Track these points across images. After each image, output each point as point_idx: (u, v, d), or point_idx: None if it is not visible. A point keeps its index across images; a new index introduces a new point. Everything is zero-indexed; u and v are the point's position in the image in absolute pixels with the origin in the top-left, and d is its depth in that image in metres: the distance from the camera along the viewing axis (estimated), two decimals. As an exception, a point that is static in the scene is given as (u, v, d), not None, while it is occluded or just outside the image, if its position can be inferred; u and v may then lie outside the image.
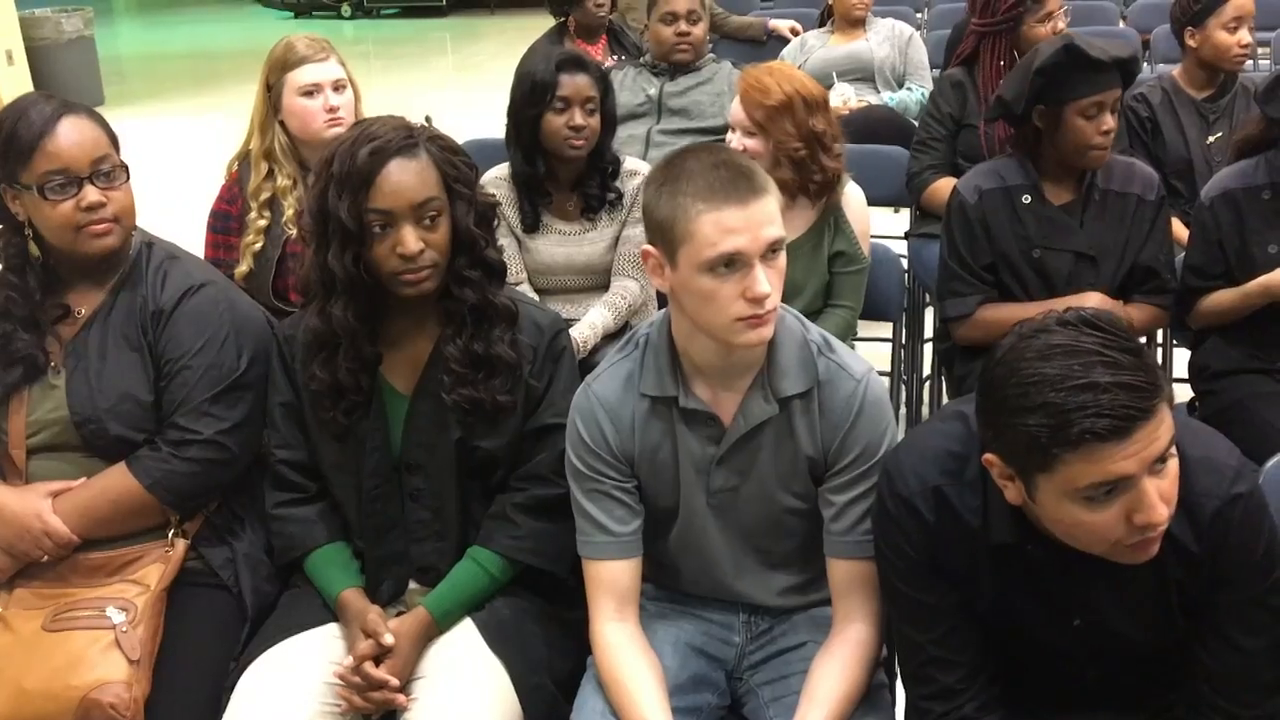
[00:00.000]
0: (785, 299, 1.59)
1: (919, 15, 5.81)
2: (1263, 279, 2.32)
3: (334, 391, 1.77)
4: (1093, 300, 2.41)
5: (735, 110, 2.45)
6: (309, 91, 2.50)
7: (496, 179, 2.71)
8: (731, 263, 1.48)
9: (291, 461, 1.86)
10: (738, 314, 1.50)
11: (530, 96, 2.59)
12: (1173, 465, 1.30)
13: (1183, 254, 2.60)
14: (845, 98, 4.00)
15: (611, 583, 1.67)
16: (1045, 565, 1.43)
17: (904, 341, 3.21)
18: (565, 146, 2.58)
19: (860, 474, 1.61)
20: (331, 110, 2.50)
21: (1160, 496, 1.28)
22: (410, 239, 1.68)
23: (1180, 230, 2.85)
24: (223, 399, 1.84)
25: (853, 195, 2.56)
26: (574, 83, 2.58)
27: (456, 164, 1.75)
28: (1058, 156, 2.41)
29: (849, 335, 2.54)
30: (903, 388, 3.35)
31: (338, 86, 2.52)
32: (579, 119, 2.56)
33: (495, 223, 1.82)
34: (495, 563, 1.78)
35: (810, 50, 4.26)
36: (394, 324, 1.79)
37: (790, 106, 2.40)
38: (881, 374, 3.06)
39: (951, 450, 1.47)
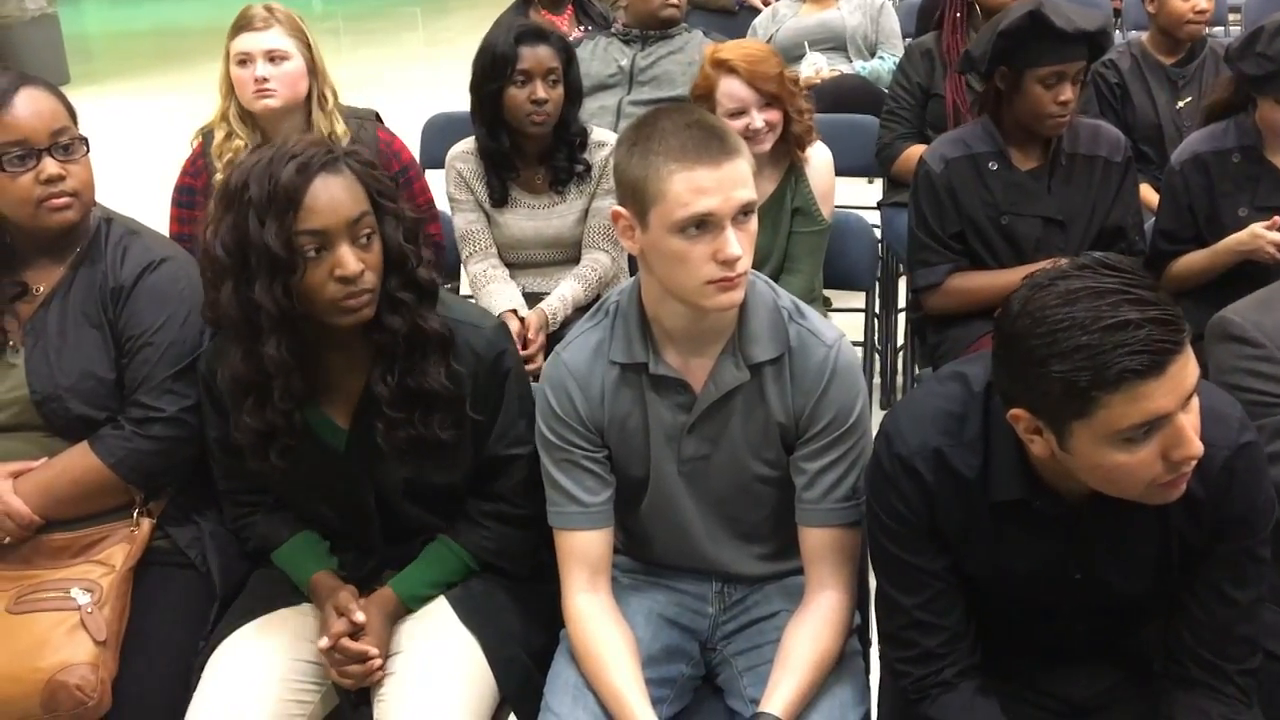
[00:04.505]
0: (753, 264, 1.58)
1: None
2: (1231, 239, 2.33)
3: (266, 437, 1.64)
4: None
5: (740, 90, 2.43)
6: (241, 60, 2.49)
7: (463, 153, 2.68)
8: (703, 224, 1.47)
9: (237, 489, 1.81)
10: (708, 276, 1.48)
11: (490, 70, 2.56)
12: (1195, 401, 1.28)
13: (1153, 219, 2.61)
14: (818, 67, 3.98)
15: (583, 553, 1.66)
16: (1050, 521, 1.43)
17: (878, 311, 3.21)
18: (528, 120, 2.56)
19: (832, 441, 1.61)
20: (259, 81, 2.47)
21: (1193, 427, 1.27)
22: (350, 259, 1.54)
23: (1150, 195, 2.85)
24: (185, 375, 1.81)
25: (815, 156, 2.56)
26: (534, 54, 2.55)
27: (379, 178, 1.63)
28: (1018, 120, 2.41)
29: (809, 302, 2.53)
30: (877, 358, 3.36)
31: (273, 58, 2.49)
32: (541, 91, 2.54)
33: (423, 237, 1.69)
34: (464, 554, 1.77)
35: (782, 20, 4.23)
36: (321, 359, 1.66)
37: (784, 73, 2.45)
38: (855, 344, 3.10)
39: (951, 411, 1.46)
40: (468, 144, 2.69)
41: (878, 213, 3.53)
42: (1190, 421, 1.27)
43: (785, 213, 2.52)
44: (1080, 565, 1.46)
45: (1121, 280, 1.24)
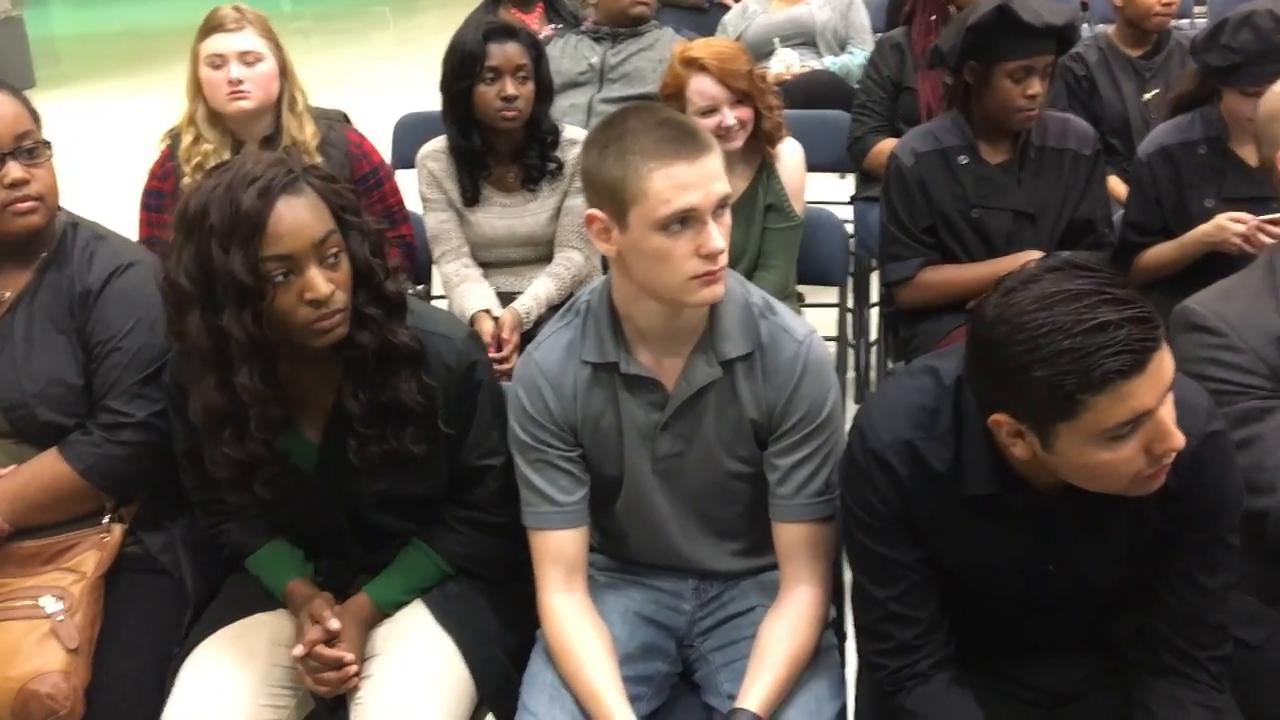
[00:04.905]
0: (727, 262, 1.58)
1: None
2: (1198, 230, 2.35)
3: (247, 468, 1.59)
4: (1032, 259, 2.41)
5: (711, 88, 2.43)
6: (215, 63, 2.47)
7: (434, 152, 2.67)
8: (685, 220, 1.47)
9: (209, 498, 1.78)
10: (692, 271, 1.49)
11: (460, 68, 2.56)
12: (1171, 393, 1.30)
13: (1121, 211, 2.63)
14: (789, 63, 3.99)
15: (558, 553, 1.66)
16: (1023, 514, 1.44)
17: (851, 306, 3.22)
18: (498, 117, 2.55)
19: (804, 436, 1.61)
20: (233, 83, 2.46)
21: (1171, 419, 1.29)
22: (320, 282, 1.51)
23: (1119, 187, 2.87)
24: (155, 380, 1.79)
25: (786, 152, 2.57)
26: (503, 52, 2.54)
27: (340, 192, 1.59)
28: (987, 114, 2.42)
29: (783, 299, 2.53)
30: (851, 352, 3.37)
31: (247, 59, 2.48)
32: (510, 89, 2.53)
33: (387, 248, 1.66)
34: (439, 559, 1.77)
35: (752, 16, 4.23)
36: (292, 377, 1.62)
37: (754, 71, 2.46)
38: (829, 339, 3.12)
39: (923, 404, 1.47)
40: (439, 143, 2.68)
41: (850, 208, 3.54)
42: (1170, 414, 1.28)
43: (758, 210, 2.52)
44: (1053, 557, 1.47)
45: (1094, 281, 1.25)
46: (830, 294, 3.10)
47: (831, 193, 3.56)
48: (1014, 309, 1.26)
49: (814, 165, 2.93)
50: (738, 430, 1.64)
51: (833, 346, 3.07)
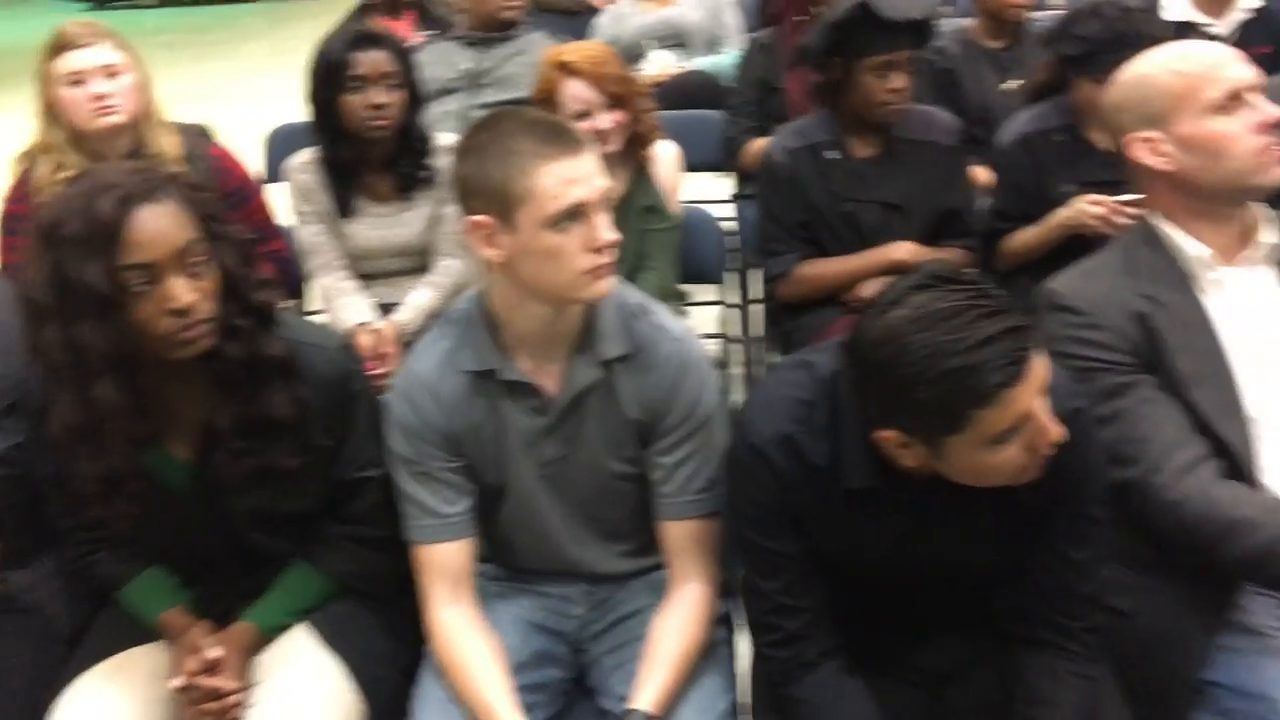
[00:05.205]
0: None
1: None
2: (1059, 214, 2.42)
3: (110, 484, 1.54)
4: (904, 249, 2.49)
5: (584, 92, 2.41)
6: (75, 80, 2.38)
7: (304, 164, 2.62)
8: (575, 215, 1.47)
9: (77, 527, 1.71)
10: (584, 266, 1.49)
11: (325, 78, 2.51)
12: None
13: (987, 199, 2.70)
14: (664, 65, 4.02)
15: (443, 566, 1.64)
16: (901, 504, 1.46)
17: (739, 302, 3.24)
18: (367, 126, 2.51)
19: (686, 434, 1.62)
20: (98, 98, 2.37)
21: (1049, 414, 1.33)
22: (182, 290, 1.47)
23: (984, 176, 2.95)
24: (14, 412, 1.72)
25: (661, 153, 2.58)
26: (369, 59, 2.50)
27: (206, 201, 1.55)
28: (853, 109, 2.47)
29: (666, 298, 2.55)
30: (738, 348, 3.40)
31: (110, 73, 2.39)
32: (378, 97, 2.49)
33: (257, 258, 1.64)
34: (322, 578, 1.73)
35: (624, 19, 4.24)
36: (158, 392, 1.56)
37: (626, 73, 2.46)
38: (714, 336, 3.14)
39: (800, 398, 1.49)
40: (308, 154, 2.62)
41: (728, 206, 3.57)
42: (1046, 409, 1.33)
43: (635, 212, 2.52)
44: (932, 542, 1.50)
45: (967, 294, 1.28)
46: (715, 292, 3.13)
47: (710, 192, 3.59)
48: (894, 330, 1.29)
49: (691, 165, 2.95)
50: (621, 431, 1.64)
51: (717, 344, 3.10)
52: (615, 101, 2.45)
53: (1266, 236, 1.65)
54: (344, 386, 1.66)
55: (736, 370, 3.37)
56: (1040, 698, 1.49)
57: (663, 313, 1.67)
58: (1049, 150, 2.50)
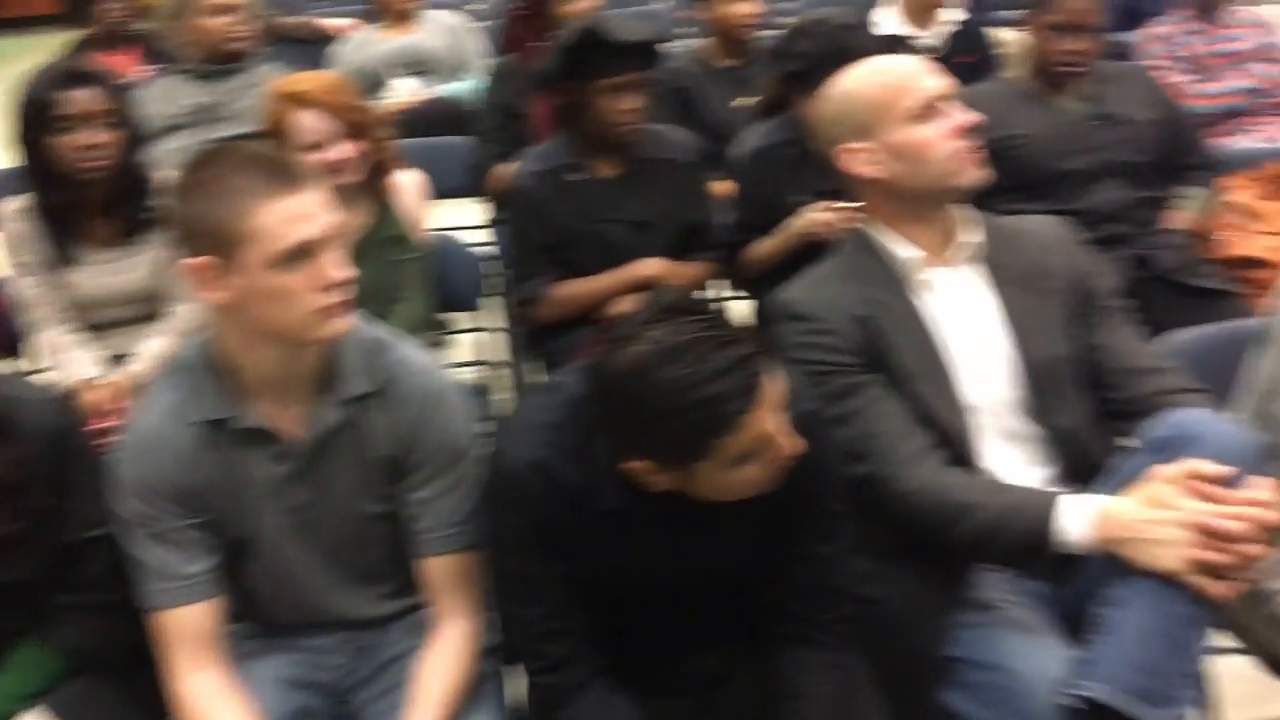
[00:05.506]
0: (357, 302, 1.54)
1: (471, 5, 5.86)
2: (793, 223, 2.53)
3: None
4: (650, 266, 2.55)
5: (317, 123, 2.33)
6: None
7: (15, 211, 2.43)
8: (301, 253, 1.42)
9: None
10: (315, 306, 1.45)
11: (30, 120, 2.33)
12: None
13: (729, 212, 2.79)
14: (409, 93, 3.98)
15: (188, 630, 1.55)
16: (658, 521, 1.48)
17: (505, 327, 3.23)
18: (79, 169, 2.34)
19: (440, 468, 1.60)
20: None
21: (785, 429, 1.38)
22: None
23: (723, 189, 3.05)
24: None
25: (403, 183, 2.54)
26: (76, 99, 2.33)
27: None
28: (592, 131, 2.51)
29: (423, 329, 2.51)
30: (507, 374, 3.39)
31: None
32: (90, 137, 2.33)
33: None
34: (56, 655, 1.61)
35: (365, 46, 4.17)
36: None
37: (360, 103, 2.41)
38: (474, 364, 3.12)
39: (550, 422, 1.49)
40: (18, 201, 2.44)
41: (481, 233, 3.55)
42: (783, 424, 1.38)
43: (380, 244, 2.46)
44: (689, 555, 1.53)
45: (700, 324, 1.32)
46: (476, 319, 3.10)
47: (463, 218, 3.56)
48: (632, 368, 1.32)
49: (441, 193, 2.91)
50: (371, 471, 1.59)
51: (478, 370, 3.08)
52: (352, 131, 2.39)
53: (968, 236, 1.77)
54: (62, 443, 1.57)
55: (506, 395, 3.36)
56: (796, 691, 1.54)
57: (407, 346, 1.64)
58: (780, 163, 2.60)
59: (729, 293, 3.14)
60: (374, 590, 1.68)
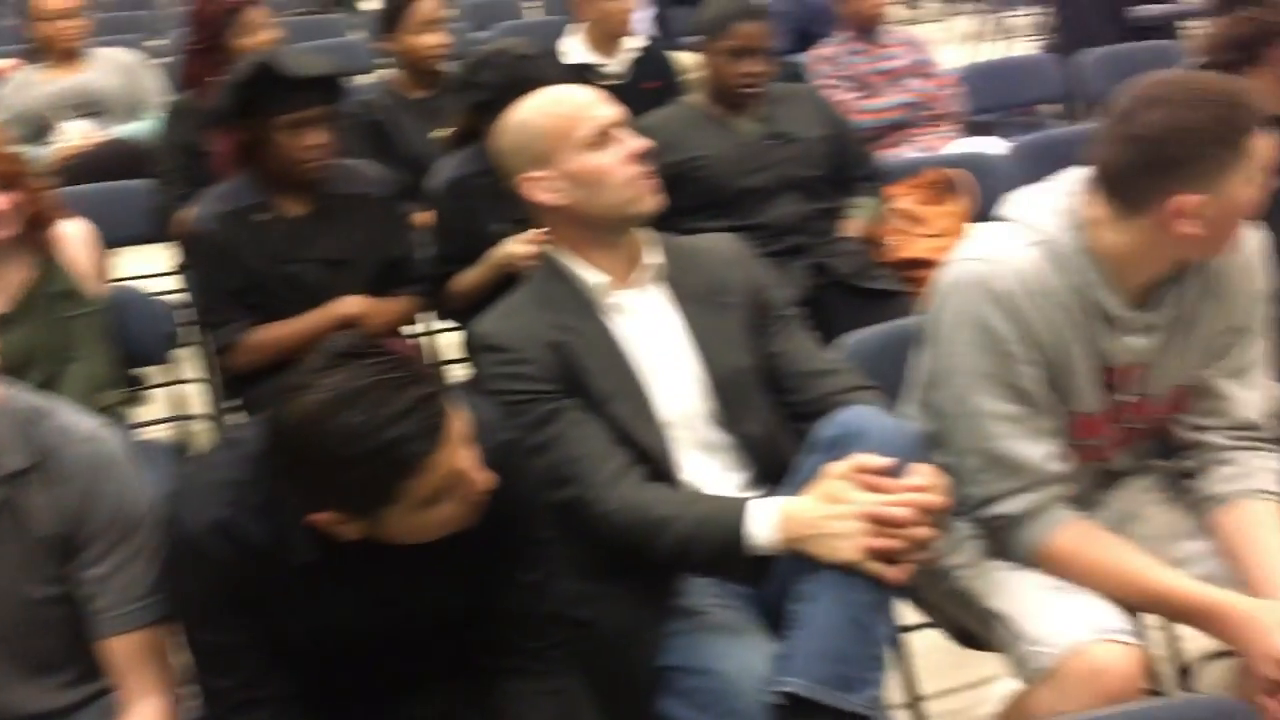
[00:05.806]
0: (16, 371, 1.42)
1: (150, 42, 5.57)
2: (494, 253, 2.53)
3: None
4: (351, 304, 2.49)
5: None
6: None
7: None
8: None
9: None
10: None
11: None
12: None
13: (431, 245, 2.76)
14: (80, 135, 3.73)
15: None
16: (356, 571, 1.43)
17: (205, 377, 3.05)
18: None
19: (114, 541, 1.50)
20: None
21: (476, 464, 1.36)
22: None
23: (424, 221, 3.02)
24: None
25: (68, 232, 2.36)
26: None
27: None
28: (275, 169, 2.43)
29: (105, 388, 2.34)
30: (206, 427, 3.21)
31: None
32: None
33: None
34: None
35: (28, 88, 3.89)
36: None
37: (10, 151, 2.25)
38: (173, 420, 2.94)
39: (232, 479, 1.42)
40: None
41: (167, 280, 3.35)
42: (473, 460, 1.36)
43: (47, 301, 2.27)
44: (395, 601, 1.49)
45: (376, 368, 1.29)
46: (178, 370, 2.92)
47: (149, 266, 3.36)
48: (308, 417, 1.28)
49: (120, 240, 2.74)
50: (36, 552, 1.48)
51: (181, 426, 2.91)
52: (4, 183, 2.20)
53: (650, 258, 1.83)
54: None
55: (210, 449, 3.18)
56: (515, 723, 1.53)
57: (67, 412, 1.52)
58: (477, 193, 2.60)
59: (438, 325, 3.12)
60: (52, 680, 1.55)
